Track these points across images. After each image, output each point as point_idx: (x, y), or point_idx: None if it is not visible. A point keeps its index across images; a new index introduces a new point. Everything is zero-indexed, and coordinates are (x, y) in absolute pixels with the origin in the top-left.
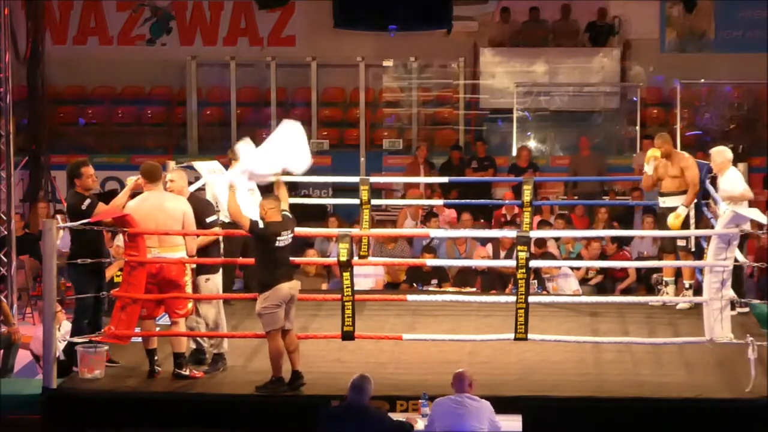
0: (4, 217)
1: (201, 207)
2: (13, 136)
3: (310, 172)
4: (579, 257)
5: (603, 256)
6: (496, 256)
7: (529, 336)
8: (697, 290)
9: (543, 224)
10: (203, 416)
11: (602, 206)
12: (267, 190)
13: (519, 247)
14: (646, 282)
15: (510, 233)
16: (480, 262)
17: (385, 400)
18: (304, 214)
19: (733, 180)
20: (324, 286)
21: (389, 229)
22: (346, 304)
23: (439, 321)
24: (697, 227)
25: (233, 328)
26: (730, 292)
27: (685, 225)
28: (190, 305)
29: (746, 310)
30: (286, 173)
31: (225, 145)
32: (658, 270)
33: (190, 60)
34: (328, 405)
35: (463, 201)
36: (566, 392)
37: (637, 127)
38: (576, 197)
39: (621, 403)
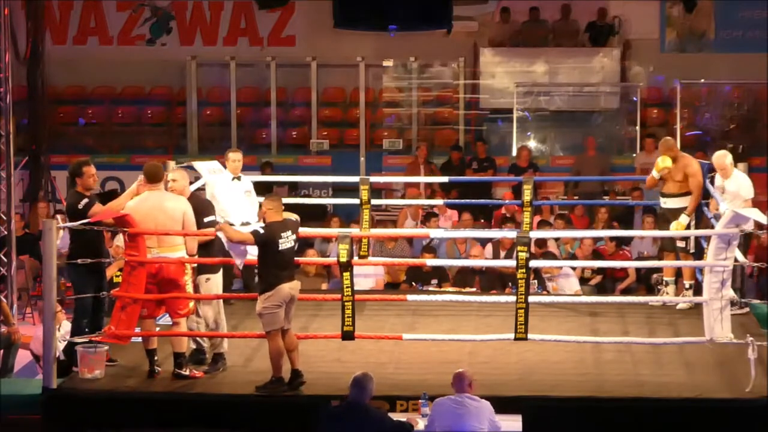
0: (4, 217)
1: (200, 206)
2: (13, 136)
3: (311, 172)
4: (574, 257)
5: (597, 254)
6: (496, 256)
7: (529, 336)
8: (697, 290)
9: (543, 224)
10: (203, 416)
11: (602, 206)
12: (267, 190)
13: (519, 248)
14: (646, 282)
15: (510, 233)
16: (478, 261)
17: (385, 400)
18: (304, 214)
19: (741, 183)
20: (324, 286)
21: (389, 229)
22: (346, 304)
23: (439, 321)
24: (697, 227)
25: (233, 328)
26: (730, 292)
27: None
28: (191, 305)
29: (746, 310)
30: None
31: (225, 145)
32: (658, 270)
33: (190, 60)
34: (328, 405)
35: (463, 201)
36: (566, 392)
37: (637, 127)
38: (576, 197)
39: (621, 403)
